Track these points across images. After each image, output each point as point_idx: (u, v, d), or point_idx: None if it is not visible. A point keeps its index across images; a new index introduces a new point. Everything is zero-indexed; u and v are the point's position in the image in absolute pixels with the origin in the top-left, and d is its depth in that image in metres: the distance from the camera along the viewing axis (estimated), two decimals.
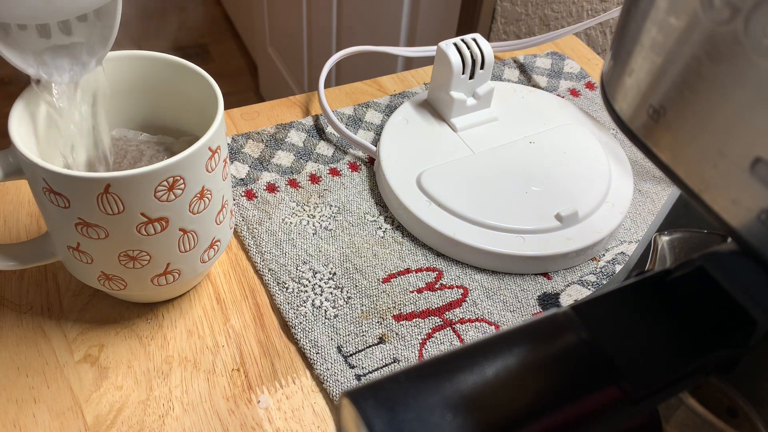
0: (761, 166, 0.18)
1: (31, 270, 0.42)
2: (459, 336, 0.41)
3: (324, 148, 0.52)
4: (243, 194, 0.48)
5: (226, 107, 0.41)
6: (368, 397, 0.18)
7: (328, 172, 0.50)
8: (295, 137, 0.52)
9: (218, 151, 0.35)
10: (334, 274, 0.43)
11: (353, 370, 0.39)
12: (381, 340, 0.40)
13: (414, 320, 0.41)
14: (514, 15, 0.91)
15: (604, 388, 0.19)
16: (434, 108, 0.53)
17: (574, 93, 0.60)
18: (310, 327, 0.40)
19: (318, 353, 0.39)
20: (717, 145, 0.19)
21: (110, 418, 0.36)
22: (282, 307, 0.41)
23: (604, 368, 0.19)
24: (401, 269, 0.44)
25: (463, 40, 0.50)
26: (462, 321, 0.42)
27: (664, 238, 0.27)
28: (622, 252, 0.47)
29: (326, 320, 0.41)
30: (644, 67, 0.21)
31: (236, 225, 0.46)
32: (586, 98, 0.59)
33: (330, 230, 0.46)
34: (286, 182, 0.49)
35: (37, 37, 0.32)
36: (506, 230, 0.45)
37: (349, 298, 0.42)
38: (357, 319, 0.41)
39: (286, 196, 0.48)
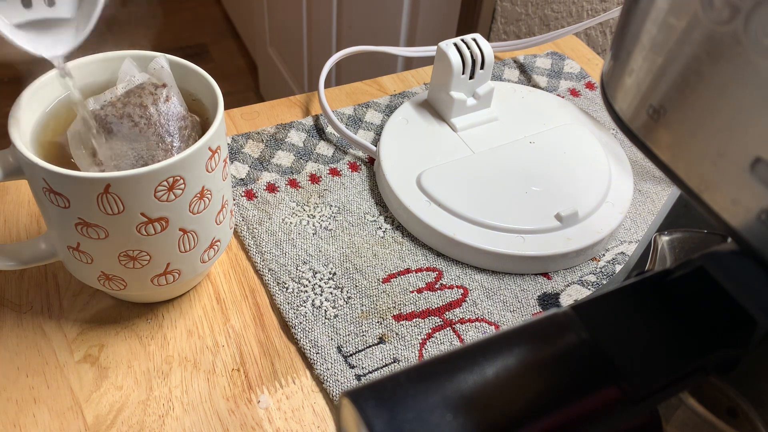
0: (761, 166, 0.18)
1: (31, 270, 0.42)
2: (459, 336, 0.41)
3: (324, 148, 0.52)
4: (243, 194, 0.48)
5: (226, 107, 0.41)
6: (368, 397, 0.18)
7: (328, 172, 0.50)
8: (295, 137, 0.52)
9: (218, 151, 0.35)
10: (334, 274, 0.43)
11: (353, 370, 0.39)
12: (381, 340, 0.40)
13: (414, 320, 0.41)
14: (514, 15, 0.91)
15: (604, 388, 0.19)
16: (434, 108, 0.53)
17: (574, 93, 0.60)
18: (310, 327, 0.40)
19: (318, 353, 0.39)
20: (717, 145, 0.19)
21: (110, 418, 0.36)
22: (282, 307, 0.41)
23: (604, 368, 0.19)
24: (401, 269, 0.44)
25: (463, 40, 0.50)
26: (462, 321, 0.42)
27: (664, 238, 0.27)
28: (622, 252, 0.47)
29: (326, 320, 0.41)
30: (644, 67, 0.21)
31: (236, 225, 0.46)
32: (586, 98, 0.59)
33: (330, 230, 0.46)
34: (286, 182, 0.49)
35: (20, 7, 0.31)
36: (506, 230, 0.45)
37: (349, 298, 0.42)
38: (357, 319, 0.41)
39: (286, 196, 0.48)
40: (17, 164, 0.34)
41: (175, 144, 0.35)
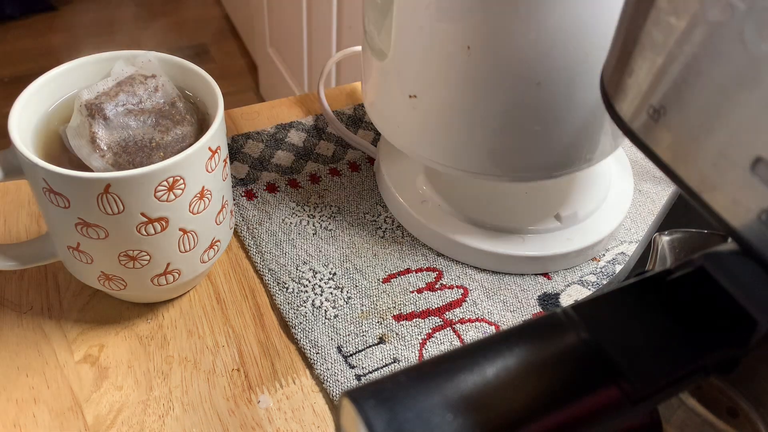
0: (761, 165, 0.18)
1: (31, 270, 0.42)
2: (459, 336, 0.41)
3: (324, 148, 0.52)
4: (243, 194, 0.48)
5: (226, 107, 0.41)
6: (368, 397, 0.18)
7: (328, 172, 0.50)
8: (295, 137, 0.52)
9: (218, 151, 0.35)
10: (334, 274, 0.43)
11: (353, 370, 0.39)
12: (381, 341, 0.40)
13: (414, 320, 0.41)
14: None
15: (604, 388, 0.19)
16: None
17: None
18: (310, 327, 0.40)
19: (318, 353, 0.39)
20: (717, 145, 0.19)
21: (110, 418, 0.36)
22: (282, 307, 0.41)
23: (604, 368, 0.19)
24: (401, 269, 0.44)
25: None
26: (462, 321, 0.42)
27: (665, 238, 0.27)
28: (622, 252, 0.47)
29: (326, 320, 0.41)
30: (644, 67, 0.21)
31: (236, 225, 0.46)
32: None
33: (330, 230, 0.46)
34: (286, 182, 0.49)
35: None
36: (506, 230, 0.45)
37: (349, 298, 0.42)
38: (357, 319, 0.41)
39: (286, 196, 0.48)
40: (17, 164, 0.34)
41: (170, 127, 0.35)
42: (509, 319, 0.42)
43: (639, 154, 0.53)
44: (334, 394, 0.38)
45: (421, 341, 0.40)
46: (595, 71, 0.37)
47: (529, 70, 0.36)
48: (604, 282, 0.45)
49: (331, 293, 0.42)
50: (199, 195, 0.35)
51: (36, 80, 0.36)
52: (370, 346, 0.40)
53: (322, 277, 0.43)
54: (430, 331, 0.41)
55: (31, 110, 0.36)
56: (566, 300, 0.44)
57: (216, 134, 0.35)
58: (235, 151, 0.50)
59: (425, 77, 0.39)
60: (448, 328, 0.41)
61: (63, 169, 0.32)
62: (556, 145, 0.40)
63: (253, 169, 0.49)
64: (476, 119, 0.39)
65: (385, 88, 0.42)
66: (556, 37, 0.35)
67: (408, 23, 0.37)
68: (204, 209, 0.36)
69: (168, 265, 0.36)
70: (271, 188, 0.48)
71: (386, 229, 0.47)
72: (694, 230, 0.27)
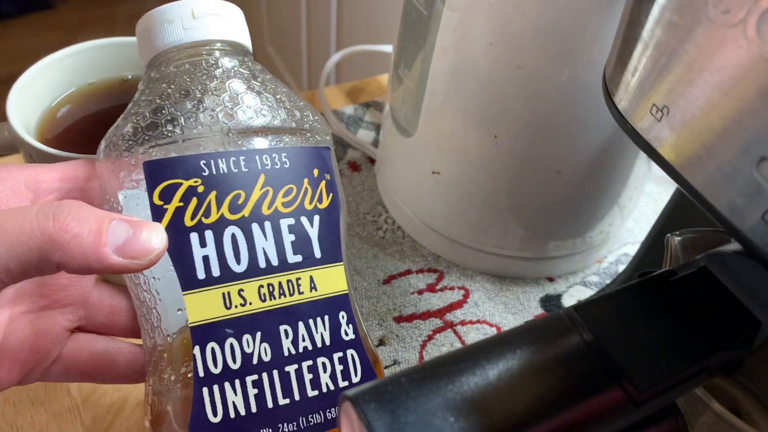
0: (766, 165, 0.18)
1: None
2: (460, 338, 0.41)
3: None
4: None
5: None
6: (369, 400, 0.17)
7: None
8: None
9: None
10: None
11: None
12: (381, 342, 0.40)
13: (414, 322, 0.41)
14: None
15: (607, 390, 0.19)
16: None
17: None
18: None
19: None
20: (721, 145, 0.19)
21: (108, 419, 0.36)
22: None
23: (607, 370, 0.19)
24: (401, 270, 0.44)
25: None
26: (463, 323, 0.41)
27: (676, 239, 0.27)
28: (625, 253, 0.47)
29: None
30: (647, 66, 0.21)
31: None
32: None
33: None
34: None
35: None
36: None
37: None
38: None
39: None
40: (11, 140, 0.34)
41: None
42: (511, 322, 0.42)
43: None
44: None
45: (421, 343, 0.40)
46: (611, 162, 0.39)
47: (550, 159, 0.38)
48: (607, 282, 0.45)
49: None
50: None
51: (34, 66, 0.36)
52: None
53: None
54: (431, 332, 0.41)
55: (39, 87, 0.36)
56: (569, 301, 0.43)
57: None
58: None
59: (451, 157, 0.40)
60: (448, 330, 0.41)
61: (52, 148, 0.31)
62: (572, 227, 0.42)
63: None
64: (496, 200, 0.41)
65: (407, 160, 0.44)
66: (577, 133, 0.37)
67: (438, 109, 0.39)
68: None
69: None
70: None
71: (387, 229, 0.46)
72: (707, 229, 0.27)
